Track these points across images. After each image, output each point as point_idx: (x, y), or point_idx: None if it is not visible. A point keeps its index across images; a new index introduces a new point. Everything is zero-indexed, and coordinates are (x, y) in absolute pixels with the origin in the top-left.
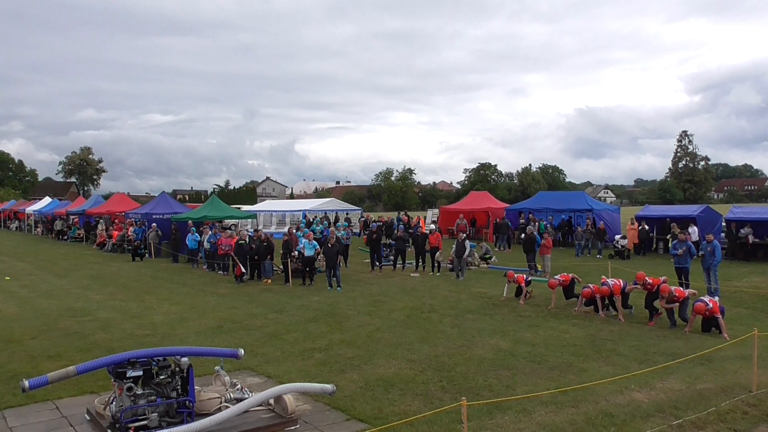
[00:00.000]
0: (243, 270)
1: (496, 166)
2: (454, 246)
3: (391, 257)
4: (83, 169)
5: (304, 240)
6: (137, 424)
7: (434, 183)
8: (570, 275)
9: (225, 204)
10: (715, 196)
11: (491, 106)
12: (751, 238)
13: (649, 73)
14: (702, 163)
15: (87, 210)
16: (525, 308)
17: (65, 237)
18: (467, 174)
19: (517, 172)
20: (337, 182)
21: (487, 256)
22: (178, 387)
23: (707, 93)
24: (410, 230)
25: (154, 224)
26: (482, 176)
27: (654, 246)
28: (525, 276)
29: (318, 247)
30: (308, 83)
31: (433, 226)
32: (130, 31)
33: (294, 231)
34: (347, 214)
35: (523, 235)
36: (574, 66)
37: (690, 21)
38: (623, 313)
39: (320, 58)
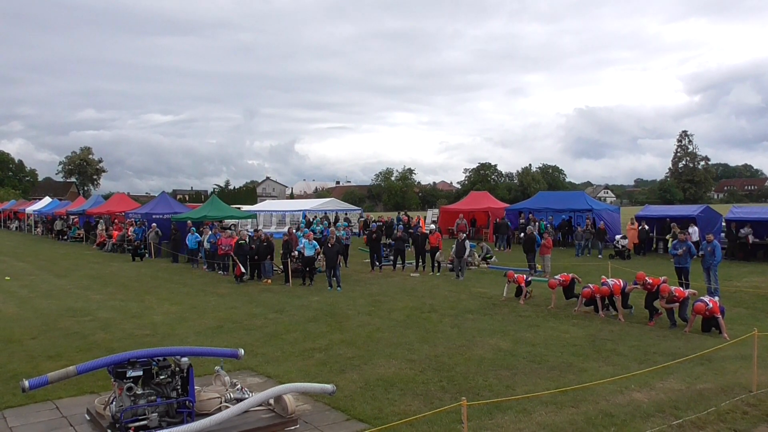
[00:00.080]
0: (243, 270)
1: (496, 166)
2: (454, 246)
3: (391, 257)
4: (83, 169)
5: (304, 240)
6: (137, 424)
7: (434, 183)
8: (570, 275)
9: (225, 204)
10: (715, 196)
11: (491, 106)
12: (751, 238)
13: (649, 73)
14: (702, 163)
15: (87, 210)
16: (525, 308)
17: (65, 237)
18: (467, 174)
19: (517, 172)
20: (337, 182)
21: (488, 256)
22: (178, 387)
23: (707, 93)
24: (410, 230)
25: (154, 224)
26: (482, 176)
27: (654, 246)
28: (525, 276)
29: (318, 247)
30: (308, 83)
31: (433, 226)
32: (130, 31)
33: (294, 231)
34: (347, 214)
35: (523, 235)
36: (574, 66)
37: (690, 21)
38: (623, 313)
39: (320, 58)
